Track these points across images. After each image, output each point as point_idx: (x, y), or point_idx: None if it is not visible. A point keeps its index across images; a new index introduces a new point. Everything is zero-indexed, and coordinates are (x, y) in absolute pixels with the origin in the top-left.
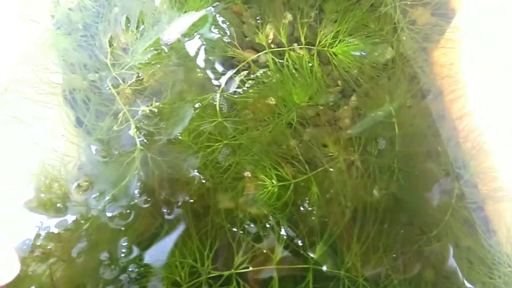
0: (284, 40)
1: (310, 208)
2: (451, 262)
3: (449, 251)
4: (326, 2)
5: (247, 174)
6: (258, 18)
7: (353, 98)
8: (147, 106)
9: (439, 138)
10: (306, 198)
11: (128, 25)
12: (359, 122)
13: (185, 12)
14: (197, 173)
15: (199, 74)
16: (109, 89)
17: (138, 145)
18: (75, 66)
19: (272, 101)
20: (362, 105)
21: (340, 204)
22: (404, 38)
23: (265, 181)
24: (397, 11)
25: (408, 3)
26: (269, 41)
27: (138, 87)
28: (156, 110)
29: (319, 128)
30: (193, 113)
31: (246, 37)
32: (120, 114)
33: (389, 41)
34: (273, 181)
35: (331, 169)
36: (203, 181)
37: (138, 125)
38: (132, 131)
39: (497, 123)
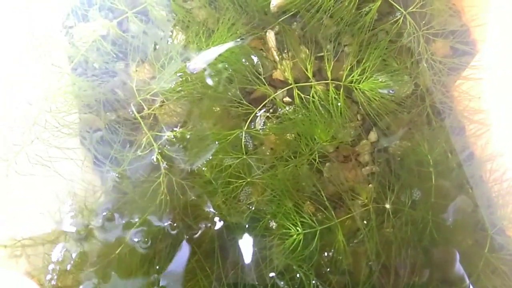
0: (310, 75)
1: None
2: None
3: None
4: (343, 36)
5: (272, 224)
6: (278, 53)
7: (373, 133)
8: (171, 131)
9: (468, 182)
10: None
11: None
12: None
13: (212, 45)
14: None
15: (224, 106)
16: (133, 114)
17: (163, 170)
18: (91, 106)
19: (296, 139)
20: (396, 150)
21: (367, 256)
22: (426, 71)
23: (289, 229)
24: (420, 42)
25: (430, 36)
26: (288, 78)
27: (162, 113)
28: (179, 137)
29: (340, 164)
30: (217, 147)
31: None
32: (144, 139)
33: (411, 75)
34: (298, 228)
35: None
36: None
37: (161, 151)
38: (155, 157)
39: None
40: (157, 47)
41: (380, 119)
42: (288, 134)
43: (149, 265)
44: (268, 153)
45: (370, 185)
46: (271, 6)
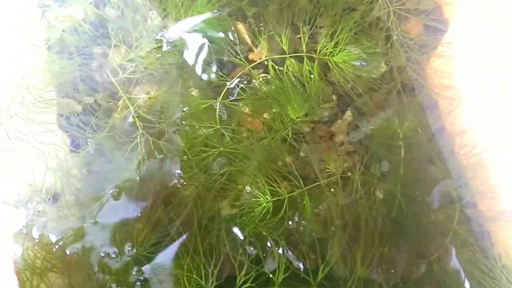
0: (285, 48)
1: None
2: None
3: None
4: (319, 15)
5: (247, 188)
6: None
7: (348, 113)
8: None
9: (439, 156)
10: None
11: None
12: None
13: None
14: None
15: (199, 75)
16: (108, 78)
17: (141, 130)
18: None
19: (268, 114)
20: (365, 122)
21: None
22: (397, 48)
23: (259, 197)
24: (391, 18)
25: (403, 13)
26: (264, 57)
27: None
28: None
29: (316, 144)
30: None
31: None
32: (120, 102)
33: (383, 52)
34: (267, 196)
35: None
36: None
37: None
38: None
39: (495, 137)
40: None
41: (354, 99)
42: (262, 108)
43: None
44: (241, 125)
45: (339, 156)
46: None
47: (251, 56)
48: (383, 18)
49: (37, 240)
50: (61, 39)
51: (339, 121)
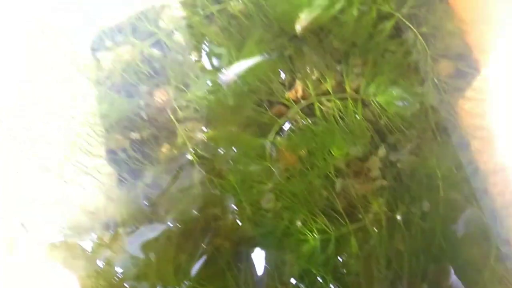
0: (329, 88)
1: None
2: None
3: None
4: (351, 56)
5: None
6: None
7: (382, 149)
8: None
9: (475, 194)
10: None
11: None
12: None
13: (241, 59)
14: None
15: (251, 114)
16: (169, 116)
17: (198, 168)
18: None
19: (312, 152)
20: (404, 164)
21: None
22: (431, 89)
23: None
24: (428, 61)
25: (436, 56)
26: (299, 96)
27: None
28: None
29: (353, 179)
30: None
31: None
32: (180, 140)
33: (418, 92)
34: (314, 234)
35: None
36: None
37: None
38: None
39: None
40: (180, 70)
41: (388, 135)
42: (306, 147)
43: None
44: (288, 163)
45: (379, 199)
46: (297, 27)
47: (289, 95)
48: (418, 58)
49: (100, 270)
50: (110, 77)
51: (374, 157)
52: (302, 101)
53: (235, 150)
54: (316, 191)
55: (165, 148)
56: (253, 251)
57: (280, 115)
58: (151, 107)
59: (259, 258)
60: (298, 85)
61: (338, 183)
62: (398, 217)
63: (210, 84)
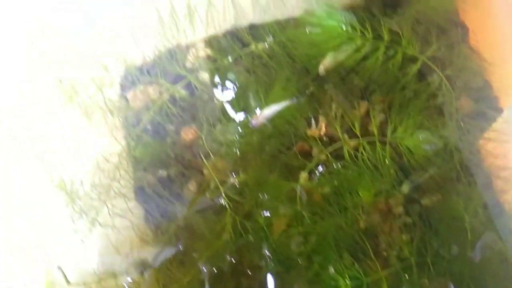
0: (357, 132)
1: None
2: None
3: None
4: (373, 95)
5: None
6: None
7: (405, 186)
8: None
9: (499, 235)
10: None
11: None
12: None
13: (269, 102)
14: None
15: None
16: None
17: (229, 211)
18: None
19: (340, 194)
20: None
21: None
22: (454, 130)
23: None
24: (452, 102)
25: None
26: (322, 133)
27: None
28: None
29: (375, 216)
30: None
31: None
32: (211, 183)
33: (444, 134)
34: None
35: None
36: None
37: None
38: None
39: None
40: (208, 110)
41: (411, 173)
42: (335, 189)
43: None
44: (317, 206)
45: (404, 237)
46: (320, 68)
47: (312, 133)
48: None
49: None
50: (136, 116)
51: (397, 193)
52: (325, 139)
53: (265, 194)
54: (345, 233)
55: (192, 186)
56: None
57: (304, 154)
58: (178, 145)
59: None
60: (322, 121)
61: (363, 221)
62: (428, 261)
63: (239, 127)
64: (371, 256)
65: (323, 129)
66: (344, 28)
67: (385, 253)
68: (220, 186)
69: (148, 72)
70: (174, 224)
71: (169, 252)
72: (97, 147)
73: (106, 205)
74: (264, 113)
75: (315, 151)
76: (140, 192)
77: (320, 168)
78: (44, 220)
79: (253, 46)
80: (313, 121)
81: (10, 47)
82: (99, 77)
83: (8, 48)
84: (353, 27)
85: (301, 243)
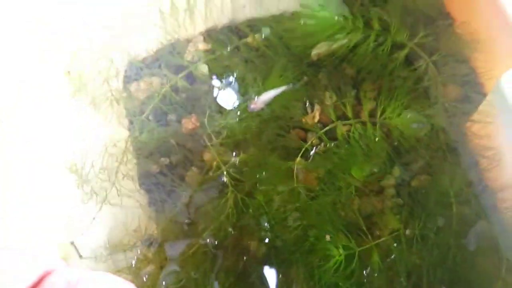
0: (349, 114)
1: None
2: None
3: None
4: (364, 82)
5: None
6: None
7: (396, 168)
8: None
9: (485, 211)
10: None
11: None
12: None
13: (267, 88)
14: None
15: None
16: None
17: (231, 188)
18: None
19: (333, 172)
20: (417, 183)
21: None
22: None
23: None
24: (438, 86)
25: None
26: (316, 120)
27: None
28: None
29: (368, 197)
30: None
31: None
32: (214, 163)
33: (429, 114)
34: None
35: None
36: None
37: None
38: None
39: None
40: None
41: (403, 155)
42: (328, 168)
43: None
44: (312, 184)
45: (397, 216)
46: (313, 54)
47: (307, 119)
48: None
49: (143, 283)
50: (140, 106)
51: (389, 175)
52: (319, 124)
53: (264, 173)
54: (338, 209)
55: (193, 171)
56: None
57: (300, 138)
58: (180, 133)
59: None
60: (316, 110)
61: (357, 200)
62: (416, 233)
63: (239, 112)
64: (364, 231)
65: (317, 116)
66: (337, 19)
67: (376, 229)
68: (222, 166)
69: (151, 65)
70: (178, 202)
71: (177, 229)
72: (105, 134)
73: (115, 186)
74: (261, 98)
75: (309, 135)
76: (145, 178)
77: (315, 149)
78: (57, 201)
79: (250, 38)
80: (308, 108)
81: (16, 38)
82: (105, 68)
83: (14, 38)
84: (345, 18)
85: (298, 218)
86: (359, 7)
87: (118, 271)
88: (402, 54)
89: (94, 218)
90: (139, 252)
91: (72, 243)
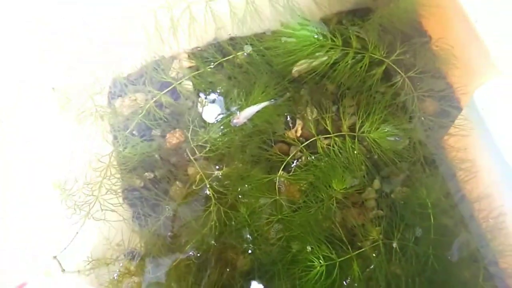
0: (329, 129)
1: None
2: None
3: None
4: (344, 98)
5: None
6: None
7: (376, 181)
8: (219, 170)
9: (462, 220)
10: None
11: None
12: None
13: (250, 104)
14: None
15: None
16: (187, 156)
17: (214, 201)
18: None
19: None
20: (397, 195)
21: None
22: (419, 126)
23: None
24: (415, 101)
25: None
26: (299, 135)
27: (211, 155)
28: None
29: (350, 209)
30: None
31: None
32: (197, 177)
33: (407, 128)
34: (320, 260)
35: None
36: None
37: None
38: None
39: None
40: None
41: (382, 168)
42: (310, 181)
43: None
44: (293, 196)
45: (377, 228)
46: (293, 71)
47: (289, 134)
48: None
49: None
50: (124, 122)
51: (369, 188)
52: (301, 139)
53: (247, 186)
54: (320, 221)
55: (177, 185)
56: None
57: (282, 152)
58: (164, 148)
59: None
60: (298, 125)
61: (338, 213)
62: (394, 244)
63: (222, 127)
64: (345, 242)
65: (299, 131)
66: (316, 37)
67: (357, 240)
68: (205, 179)
69: (135, 81)
70: (162, 216)
71: (160, 242)
72: (89, 149)
73: (99, 200)
74: (244, 113)
75: (292, 149)
76: (128, 192)
77: (297, 162)
78: (41, 215)
79: (233, 56)
80: (290, 122)
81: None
82: (90, 85)
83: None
84: (324, 36)
85: (280, 230)
86: (338, 25)
87: (100, 285)
88: (379, 70)
89: (77, 233)
90: (121, 265)
91: (55, 257)
